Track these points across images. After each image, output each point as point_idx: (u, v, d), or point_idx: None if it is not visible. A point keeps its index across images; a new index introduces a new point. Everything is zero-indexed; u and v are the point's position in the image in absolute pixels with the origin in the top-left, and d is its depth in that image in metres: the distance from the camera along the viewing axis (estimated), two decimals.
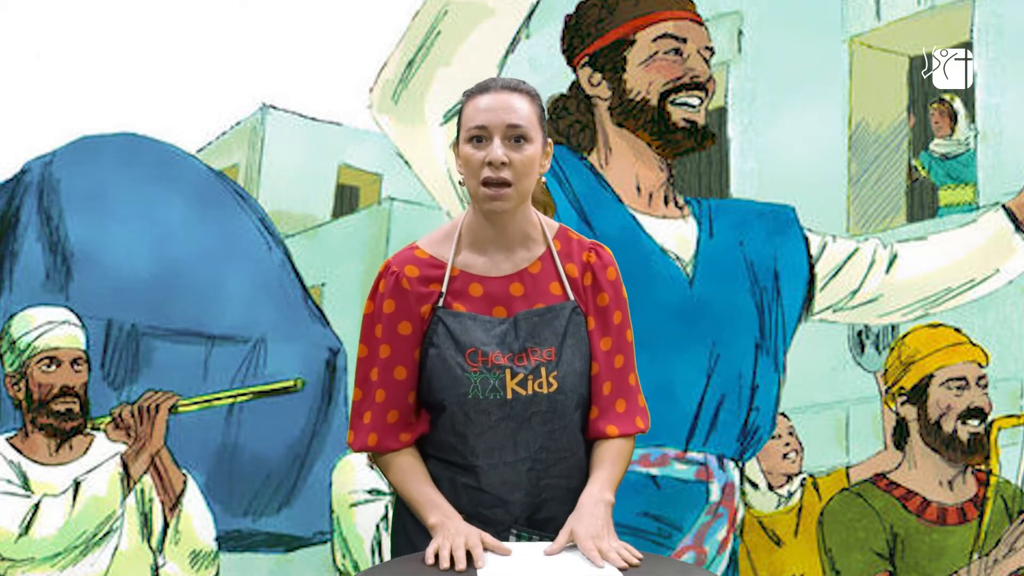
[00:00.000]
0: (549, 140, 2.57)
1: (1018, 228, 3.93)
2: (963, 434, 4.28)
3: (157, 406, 4.18)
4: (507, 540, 2.42)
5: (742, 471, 3.76)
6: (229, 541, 4.80)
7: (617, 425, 2.54)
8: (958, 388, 4.30)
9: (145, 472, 4.13)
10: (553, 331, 2.48)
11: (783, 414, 4.51)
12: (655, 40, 3.71)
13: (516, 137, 2.46)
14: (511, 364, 2.45)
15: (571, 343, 2.49)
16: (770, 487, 4.79)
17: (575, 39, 3.80)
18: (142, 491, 4.15)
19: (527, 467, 2.46)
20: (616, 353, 2.55)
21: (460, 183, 2.58)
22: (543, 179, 2.60)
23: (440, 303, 2.48)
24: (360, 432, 2.52)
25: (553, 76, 3.92)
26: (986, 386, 4.35)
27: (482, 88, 2.52)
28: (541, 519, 2.47)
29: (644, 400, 2.63)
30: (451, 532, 2.36)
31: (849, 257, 3.92)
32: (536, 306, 2.49)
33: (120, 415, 4.20)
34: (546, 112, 2.66)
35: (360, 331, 2.54)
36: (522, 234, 2.53)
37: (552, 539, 2.40)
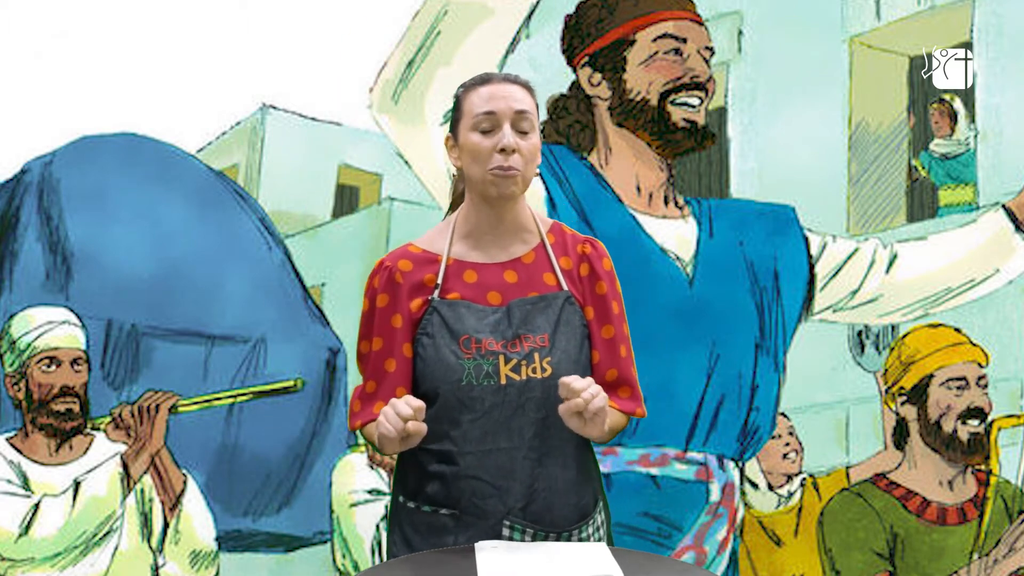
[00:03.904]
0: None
1: (1018, 228, 3.93)
2: (963, 434, 4.28)
3: (157, 406, 4.18)
4: (501, 533, 2.41)
5: (742, 471, 3.76)
6: (229, 541, 4.80)
7: (620, 405, 2.52)
8: (958, 388, 4.30)
9: (145, 472, 4.13)
10: (546, 319, 2.48)
11: (783, 414, 4.51)
12: (655, 40, 3.71)
13: (522, 125, 2.48)
14: (504, 350, 2.44)
15: (565, 331, 2.48)
16: (770, 487, 4.78)
17: (575, 39, 3.80)
18: (142, 491, 4.15)
19: (522, 455, 2.44)
20: (620, 342, 2.55)
21: (453, 175, 2.58)
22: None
23: (436, 295, 2.49)
24: (352, 419, 2.56)
25: (553, 76, 3.92)
26: (986, 386, 4.35)
27: (483, 79, 2.54)
28: (535, 510, 2.44)
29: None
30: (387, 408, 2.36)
31: (849, 257, 3.92)
32: (530, 295, 2.50)
33: (120, 415, 4.20)
34: (545, 111, 2.68)
35: (359, 330, 2.56)
36: (517, 225, 2.55)
37: (546, 533, 2.41)
